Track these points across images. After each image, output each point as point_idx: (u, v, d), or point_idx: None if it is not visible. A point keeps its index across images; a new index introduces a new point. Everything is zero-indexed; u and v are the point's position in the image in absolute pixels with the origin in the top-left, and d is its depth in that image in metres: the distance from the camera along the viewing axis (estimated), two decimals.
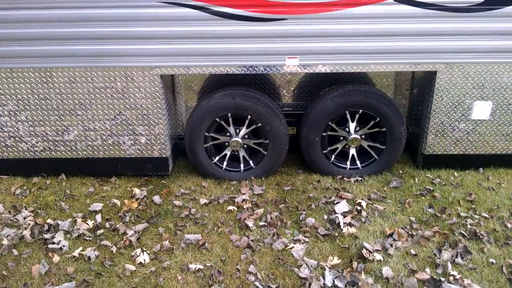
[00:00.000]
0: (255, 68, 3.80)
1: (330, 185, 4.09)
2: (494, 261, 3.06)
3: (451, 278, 2.89)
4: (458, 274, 2.93)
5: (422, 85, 4.16)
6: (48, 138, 4.11)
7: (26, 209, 3.88)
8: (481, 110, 3.92)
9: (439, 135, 4.05)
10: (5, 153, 4.20)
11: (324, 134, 4.11)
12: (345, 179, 4.19)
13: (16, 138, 4.13)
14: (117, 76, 3.84)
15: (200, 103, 4.08)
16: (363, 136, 4.14)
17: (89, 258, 3.28)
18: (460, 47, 3.71)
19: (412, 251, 3.18)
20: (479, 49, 3.72)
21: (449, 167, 4.23)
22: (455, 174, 4.18)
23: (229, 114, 4.03)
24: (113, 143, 4.11)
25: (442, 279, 2.88)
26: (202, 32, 3.67)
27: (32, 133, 4.10)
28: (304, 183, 4.17)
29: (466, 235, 3.33)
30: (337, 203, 3.78)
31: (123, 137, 4.07)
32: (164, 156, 4.14)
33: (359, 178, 4.18)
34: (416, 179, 4.13)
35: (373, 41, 3.69)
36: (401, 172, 4.26)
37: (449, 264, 3.00)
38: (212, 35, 3.68)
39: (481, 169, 4.24)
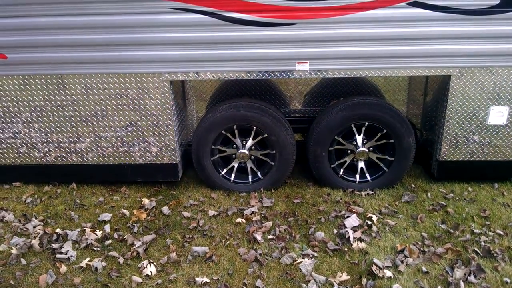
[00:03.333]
0: (265, 73, 3.78)
1: (341, 199, 4.04)
2: (508, 280, 2.98)
3: None
4: None
5: (436, 91, 4.09)
6: (61, 145, 4.13)
7: (36, 218, 3.89)
8: (498, 115, 3.83)
9: (454, 142, 3.97)
10: (17, 160, 4.21)
11: (331, 148, 4.07)
12: (356, 192, 4.14)
13: (30, 145, 4.15)
14: (127, 83, 3.86)
15: (205, 116, 4.09)
16: (371, 148, 4.08)
17: (96, 269, 3.26)
18: (475, 50, 3.64)
19: (424, 269, 3.11)
20: (495, 53, 3.64)
21: (464, 174, 4.14)
22: (469, 189, 4.10)
23: (235, 126, 4.00)
24: (124, 149, 4.09)
25: None
26: (211, 38, 3.67)
27: (46, 140, 4.11)
28: (314, 196, 4.12)
29: (479, 252, 3.25)
30: (347, 217, 3.72)
31: (133, 144, 4.07)
32: (174, 162, 4.13)
33: (370, 192, 4.12)
34: (429, 194, 4.06)
35: (385, 45, 3.65)
36: (413, 186, 4.19)
37: (462, 283, 2.92)
38: (222, 40, 3.68)
39: (496, 184, 4.14)
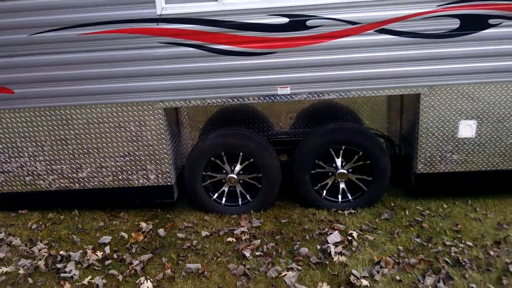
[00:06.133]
0: (250, 98, 4.14)
1: (325, 218, 4.34)
2: (474, 286, 3.26)
3: None
4: None
5: (410, 108, 4.45)
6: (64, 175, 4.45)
7: (41, 242, 4.18)
8: (467, 128, 4.17)
9: (429, 155, 4.29)
10: (24, 187, 4.53)
11: (313, 171, 4.39)
12: (339, 211, 4.44)
13: (35, 175, 4.48)
14: (125, 111, 4.23)
15: (196, 144, 4.42)
16: (350, 170, 4.40)
17: (97, 286, 3.54)
18: (440, 70, 4.01)
19: (397, 277, 3.39)
20: (458, 72, 4.01)
21: (441, 186, 4.42)
22: (444, 205, 4.41)
23: (223, 153, 4.34)
24: (122, 174, 4.40)
25: None
26: (200, 68, 4.08)
27: (49, 171, 4.44)
28: (300, 216, 4.42)
29: (449, 262, 3.54)
30: (330, 234, 4.01)
31: (131, 168, 4.38)
32: (169, 184, 4.44)
33: (353, 211, 4.42)
34: (407, 211, 4.36)
35: (357, 69, 4.03)
36: (393, 204, 4.50)
37: None
38: (209, 70, 4.08)
39: (469, 201, 4.45)
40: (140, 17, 3.98)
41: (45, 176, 4.49)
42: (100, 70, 4.09)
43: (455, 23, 3.89)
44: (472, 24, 3.88)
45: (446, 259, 3.57)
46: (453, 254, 3.61)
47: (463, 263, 3.49)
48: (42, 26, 3.97)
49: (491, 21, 3.87)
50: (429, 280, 3.30)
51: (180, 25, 3.99)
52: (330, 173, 4.48)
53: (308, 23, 3.96)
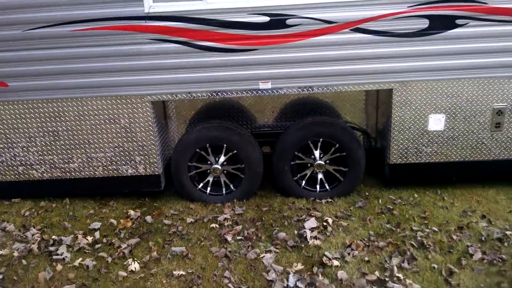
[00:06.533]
0: (233, 93, 4.40)
1: (303, 206, 4.60)
2: (436, 266, 3.55)
3: (395, 279, 3.37)
4: (403, 276, 3.41)
5: (384, 103, 4.72)
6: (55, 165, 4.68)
7: (34, 228, 4.41)
8: (436, 122, 4.45)
9: (401, 146, 4.57)
10: (16, 176, 4.75)
11: (292, 163, 4.65)
12: (317, 200, 4.70)
13: (27, 165, 4.70)
14: (114, 104, 4.45)
15: (182, 137, 4.67)
16: (328, 161, 4.67)
17: (87, 267, 3.79)
18: (410, 67, 4.27)
19: (366, 258, 3.67)
20: (427, 68, 4.28)
21: (412, 176, 4.71)
22: (415, 195, 4.69)
23: (208, 145, 4.59)
24: (112, 164, 4.64)
25: (387, 279, 3.36)
26: (186, 63, 4.31)
27: (42, 161, 4.67)
28: (281, 204, 4.68)
29: (415, 245, 3.82)
30: (307, 220, 4.28)
31: (120, 159, 4.62)
32: (157, 173, 4.68)
33: (330, 200, 4.69)
34: (380, 200, 4.64)
35: (334, 65, 4.28)
36: (367, 194, 4.78)
37: (395, 268, 3.49)
38: (195, 65, 4.31)
39: (439, 191, 4.74)
40: (129, 15, 4.21)
41: (37, 166, 4.70)
42: (91, 65, 4.31)
43: (424, 23, 4.16)
44: (440, 24, 4.15)
45: (412, 242, 3.85)
46: (418, 238, 3.89)
47: (427, 246, 3.77)
48: (35, 22, 4.19)
49: (458, 22, 4.15)
50: (395, 261, 3.58)
51: (167, 23, 4.23)
52: (309, 164, 4.74)
53: (288, 22, 4.21)
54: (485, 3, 4.09)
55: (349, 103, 5.35)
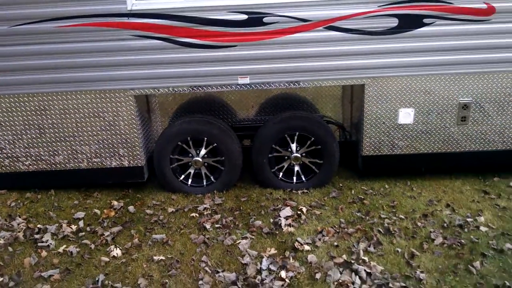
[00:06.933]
0: (213, 87, 4.60)
1: (280, 196, 4.82)
2: (399, 250, 3.79)
3: (360, 261, 3.60)
4: (368, 259, 3.64)
5: (358, 98, 4.94)
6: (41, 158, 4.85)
7: (19, 217, 4.57)
8: (406, 115, 4.68)
9: (373, 139, 4.79)
10: (3, 168, 4.91)
11: (270, 155, 4.87)
12: (293, 191, 4.92)
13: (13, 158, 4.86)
14: (98, 98, 4.61)
15: (164, 130, 4.86)
16: (304, 154, 4.89)
17: (71, 253, 3.97)
18: (381, 63, 4.49)
19: (336, 244, 3.90)
20: (397, 65, 4.50)
21: (384, 167, 4.95)
22: (386, 186, 4.93)
23: (189, 138, 4.79)
24: (96, 156, 4.82)
25: (353, 262, 3.59)
26: (167, 59, 4.48)
27: (27, 154, 4.84)
28: (259, 195, 4.89)
29: (382, 231, 4.06)
30: (283, 209, 4.49)
31: (104, 151, 4.79)
32: (139, 165, 4.87)
33: (306, 191, 4.91)
34: (353, 191, 4.87)
35: (309, 62, 4.48)
36: (341, 185, 5.01)
37: (362, 252, 3.72)
38: (176, 60, 4.49)
39: (408, 182, 4.98)
40: (112, 12, 4.37)
41: (23, 159, 4.86)
42: (75, 60, 4.48)
43: (394, 22, 4.39)
44: (408, 23, 4.38)
45: (379, 229, 4.09)
46: (386, 225, 4.13)
47: (393, 232, 4.01)
48: (21, 19, 4.34)
49: (425, 20, 4.38)
50: (362, 245, 3.81)
51: (148, 20, 4.40)
52: (286, 157, 4.96)
53: (265, 19, 4.41)
54: (451, 3, 4.32)
55: (327, 99, 5.56)
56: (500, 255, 3.68)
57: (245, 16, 4.39)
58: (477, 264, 3.55)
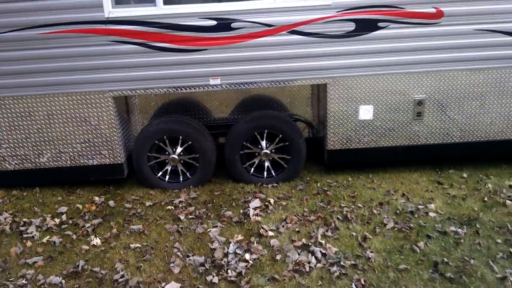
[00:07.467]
0: (186, 88, 4.94)
1: (251, 190, 5.16)
2: (354, 234, 4.15)
3: (318, 244, 3.96)
4: (324, 242, 4.00)
5: (322, 96, 5.29)
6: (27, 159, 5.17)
7: (6, 212, 4.88)
8: (365, 112, 5.06)
9: (337, 134, 5.16)
10: None
11: (242, 152, 5.22)
12: (264, 185, 5.27)
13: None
14: (78, 100, 4.93)
15: (142, 130, 5.21)
16: (273, 150, 5.25)
17: (54, 242, 4.29)
18: (341, 64, 4.86)
19: (297, 230, 4.25)
20: (355, 65, 4.88)
21: (347, 159, 5.31)
22: (349, 178, 5.30)
23: (165, 137, 5.13)
24: (79, 154, 5.14)
25: (311, 245, 3.95)
26: (143, 62, 4.82)
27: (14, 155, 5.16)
28: (232, 189, 5.23)
29: (340, 218, 4.42)
30: (252, 201, 4.84)
31: (86, 148, 5.11)
32: (119, 162, 5.20)
33: (275, 184, 5.27)
34: (318, 183, 5.23)
35: (274, 63, 4.84)
36: (308, 178, 5.37)
37: (320, 236, 4.08)
38: (151, 64, 4.83)
39: (370, 175, 5.36)
40: (91, 19, 4.71)
41: (9, 159, 5.18)
42: (57, 64, 4.80)
43: (351, 26, 4.77)
44: (364, 27, 4.76)
45: (338, 216, 4.45)
46: (344, 212, 4.49)
47: (350, 219, 4.37)
48: (6, 27, 4.67)
49: (380, 24, 4.76)
50: (321, 230, 4.17)
51: (125, 26, 4.74)
52: (256, 153, 5.31)
53: (233, 25, 4.77)
54: (403, 8, 4.71)
55: (298, 99, 5.94)
56: (444, 236, 4.05)
57: (214, 22, 4.75)
58: (421, 244, 3.92)
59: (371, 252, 3.85)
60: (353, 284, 3.49)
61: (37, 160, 5.17)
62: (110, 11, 4.69)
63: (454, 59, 4.89)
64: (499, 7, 4.70)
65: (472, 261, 3.68)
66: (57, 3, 4.60)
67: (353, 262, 3.72)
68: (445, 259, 3.71)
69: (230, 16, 4.74)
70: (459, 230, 4.10)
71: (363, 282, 3.48)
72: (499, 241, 3.95)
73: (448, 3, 4.69)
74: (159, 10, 4.71)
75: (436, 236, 4.04)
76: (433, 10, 4.72)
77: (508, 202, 4.56)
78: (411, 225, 4.22)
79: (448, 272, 3.57)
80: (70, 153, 5.15)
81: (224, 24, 4.76)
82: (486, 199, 4.67)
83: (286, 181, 5.31)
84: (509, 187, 4.90)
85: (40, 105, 4.95)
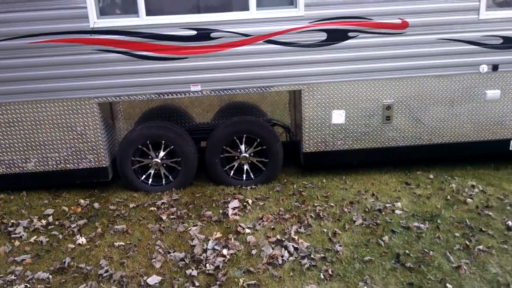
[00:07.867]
0: (168, 94, 5.20)
1: (231, 192, 5.43)
2: (325, 230, 4.43)
3: (290, 239, 4.23)
4: (297, 238, 4.28)
5: (298, 102, 5.58)
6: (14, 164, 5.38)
7: None
8: (338, 116, 5.37)
9: (312, 137, 5.45)
10: None
11: (222, 156, 5.49)
12: (243, 187, 5.54)
13: None
14: (65, 106, 5.16)
15: (126, 135, 5.45)
16: (251, 154, 5.53)
17: (41, 242, 4.50)
18: (314, 71, 5.18)
19: (272, 227, 4.52)
20: (327, 73, 5.20)
21: (322, 161, 5.60)
22: (324, 180, 5.59)
23: (148, 142, 5.38)
24: (64, 157, 5.36)
25: (284, 240, 4.23)
26: (127, 70, 5.08)
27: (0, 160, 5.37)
28: (212, 191, 5.49)
29: (313, 216, 4.70)
30: (231, 201, 5.10)
31: (72, 152, 5.33)
32: (104, 166, 5.44)
33: (254, 186, 5.54)
34: (295, 185, 5.52)
35: (252, 71, 5.13)
36: (285, 180, 5.65)
37: (293, 232, 4.35)
38: (134, 71, 5.09)
39: (344, 177, 5.65)
40: (77, 29, 4.97)
41: None
42: (45, 72, 5.04)
43: (323, 36, 5.08)
44: (335, 36, 5.09)
45: (311, 214, 4.73)
46: (317, 211, 4.77)
47: (322, 217, 4.66)
48: None
49: (350, 34, 5.09)
50: (294, 227, 4.45)
51: (109, 36, 5.01)
52: (236, 157, 5.59)
53: (212, 35, 5.06)
54: (371, 19, 5.05)
55: (277, 105, 6.24)
56: (407, 231, 4.36)
57: (194, 32, 5.04)
58: (386, 238, 4.22)
59: (340, 246, 4.13)
60: (321, 274, 3.76)
61: (24, 164, 5.37)
62: (95, 21, 4.94)
63: (420, 67, 5.23)
64: (459, 18, 5.06)
65: (431, 252, 3.98)
66: (46, 14, 4.86)
67: (322, 255, 4.00)
68: (407, 251, 4.01)
69: (209, 26, 5.03)
70: (422, 225, 4.40)
71: (330, 272, 3.76)
72: (457, 234, 4.27)
73: (413, 15, 5.04)
74: (142, 20, 4.98)
75: (400, 231, 4.34)
76: (399, 21, 5.06)
77: (469, 200, 4.88)
78: (378, 221, 4.51)
79: (408, 262, 3.87)
80: (57, 158, 5.36)
81: (204, 34, 5.05)
82: (449, 197, 4.99)
83: (264, 183, 5.58)
84: (471, 187, 5.24)
85: (28, 112, 5.17)
